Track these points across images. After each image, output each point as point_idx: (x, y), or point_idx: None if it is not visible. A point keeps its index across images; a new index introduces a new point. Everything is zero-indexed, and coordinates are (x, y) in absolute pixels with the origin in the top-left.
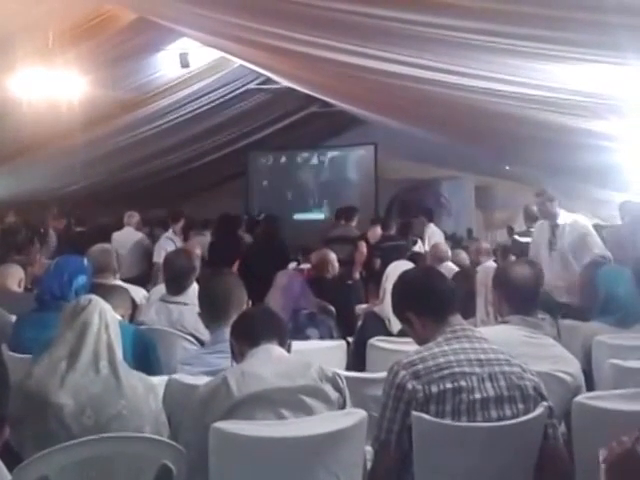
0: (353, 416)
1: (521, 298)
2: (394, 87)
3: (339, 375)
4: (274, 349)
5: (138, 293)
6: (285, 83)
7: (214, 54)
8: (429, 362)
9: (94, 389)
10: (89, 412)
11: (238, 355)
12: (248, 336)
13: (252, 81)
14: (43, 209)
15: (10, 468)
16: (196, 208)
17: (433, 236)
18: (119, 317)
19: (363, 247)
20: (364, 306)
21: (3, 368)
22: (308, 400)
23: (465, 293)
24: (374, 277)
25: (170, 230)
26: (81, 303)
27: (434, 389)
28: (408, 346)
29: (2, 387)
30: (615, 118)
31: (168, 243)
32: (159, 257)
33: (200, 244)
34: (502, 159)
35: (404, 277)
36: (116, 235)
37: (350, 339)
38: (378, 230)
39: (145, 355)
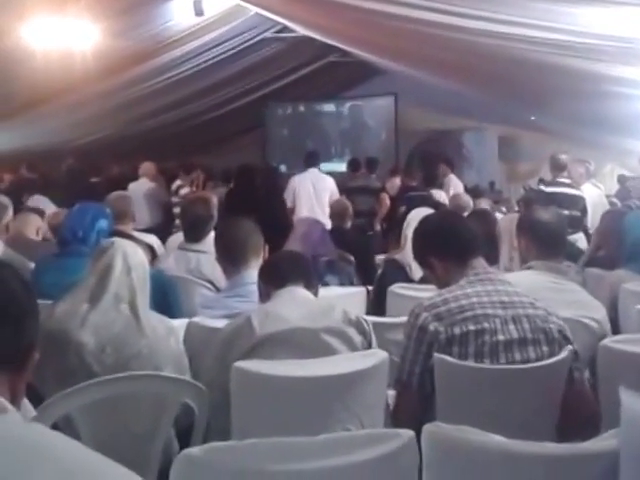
0: (374, 357)
1: (550, 240)
2: (416, 34)
3: (364, 319)
4: (299, 291)
5: (152, 242)
6: (302, 32)
7: (229, 1)
8: (451, 304)
9: (115, 328)
10: (109, 350)
11: (265, 296)
12: (274, 277)
13: (268, 29)
14: (58, 161)
15: (33, 406)
16: (214, 159)
17: (453, 186)
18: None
19: (386, 199)
20: (383, 256)
21: (30, 292)
22: (330, 340)
23: (486, 239)
24: (396, 226)
25: (178, 181)
26: (103, 246)
27: (456, 331)
28: (429, 293)
29: (31, 311)
30: None
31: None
32: None
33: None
34: (527, 109)
35: (425, 221)
36: (132, 186)
37: (370, 288)
38: (397, 181)
39: (165, 297)
